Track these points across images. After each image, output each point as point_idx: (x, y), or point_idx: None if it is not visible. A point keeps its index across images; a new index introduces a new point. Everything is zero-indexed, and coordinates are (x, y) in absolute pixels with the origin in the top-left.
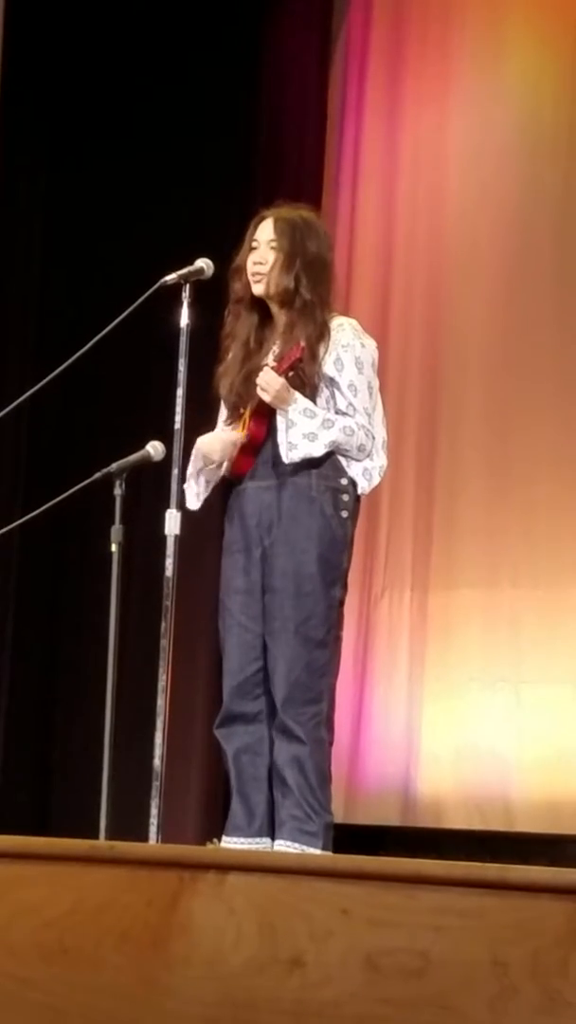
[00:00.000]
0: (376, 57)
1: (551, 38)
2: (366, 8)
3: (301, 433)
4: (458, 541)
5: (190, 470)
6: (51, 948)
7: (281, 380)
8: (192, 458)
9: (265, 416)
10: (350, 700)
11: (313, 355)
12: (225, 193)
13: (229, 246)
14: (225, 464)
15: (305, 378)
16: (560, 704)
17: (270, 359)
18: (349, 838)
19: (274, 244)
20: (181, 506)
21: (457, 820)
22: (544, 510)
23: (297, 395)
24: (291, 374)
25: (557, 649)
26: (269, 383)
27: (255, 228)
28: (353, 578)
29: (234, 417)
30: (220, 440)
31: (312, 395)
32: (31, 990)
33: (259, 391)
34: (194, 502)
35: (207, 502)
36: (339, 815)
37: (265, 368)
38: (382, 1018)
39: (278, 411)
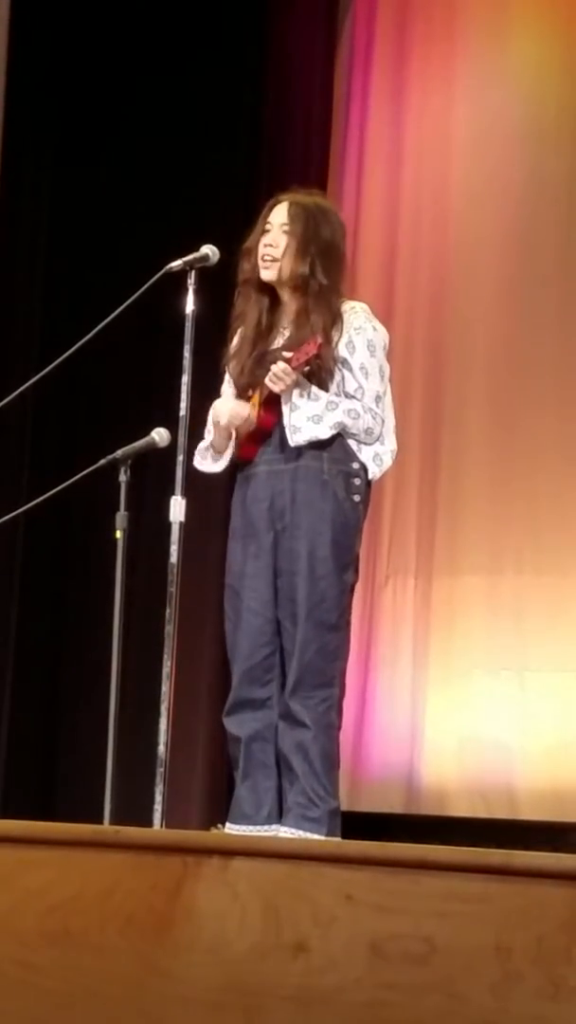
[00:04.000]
0: (382, 43)
1: (556, 23)
2: None
3: (305, 416)
4: (462, 528)
5: (208, 440)
6: (56, 933)
7: (294, 376)
8: (212, 424)
9: (275, 404)
10: (354, 687)
11: (328, 341)
12: (231, 179)
13: (234, 232)
14: (231, 449)
15: (323, 363)
16: (564, 692)
17: (279, 342)
18: (353, 826)
19: (287, 228)
20: (186, 493)
21: (461, 808)
22: (548, 497)
23: (304, 381)
24: (306, 369)
25: (561, 636)
26: (282, 379)
27: (269, 211)
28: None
29: (243, 399)
30: (228, 405)
31: (327, 380)
32: (36, 975)
33: (269, 382)
34: (216, 465)
35: (211, 488)
36: (343, 803)
37: (279, 363)
38: (386, 1004)
39: (282, 395)
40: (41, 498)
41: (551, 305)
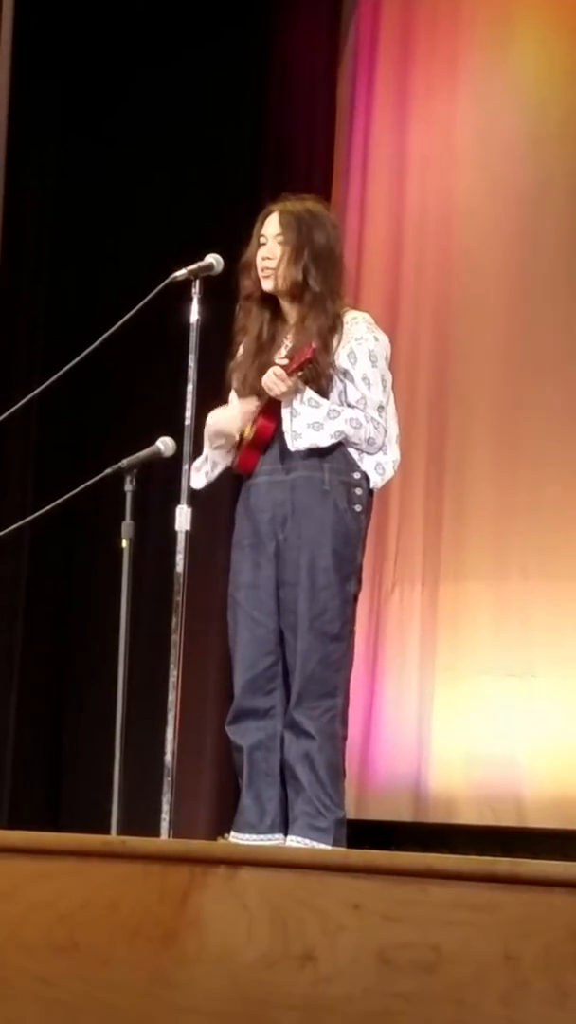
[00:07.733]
0: (385, 48)
1: (560, 30)
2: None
3: (306, 423)
4: (467, 535)
5: (204, 451)
6: (63, 943)
7: (290, 381)
8: (205, 436)
9: (274, 413)
10: (361, 695)
11: (326, 346)
12: (235, 187)
13: (239, 241)
14: (233, 455)
15: (320, 369)
16: (571, 697)
17: (282, 353)
18: (360, 834)
19: (280, 239)
20: (192, 502)
21: (468, 815)
22: (553, 503)
23: (303, 386)
24: (300, 374)
25: (567, 642)
26: (276, 384)
27: (261, 223)
28: (364, 572)
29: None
30: (237, 409)
31: (326, 387)
32: (43, 985)
33: (265, 386)
34: (200, 480)
35: (217, 497)
36: (350, 811)
37: (274, 367)
38: (394, 1013)
39: (283, 401)
40: (46, 508)
41: (556, 313)
